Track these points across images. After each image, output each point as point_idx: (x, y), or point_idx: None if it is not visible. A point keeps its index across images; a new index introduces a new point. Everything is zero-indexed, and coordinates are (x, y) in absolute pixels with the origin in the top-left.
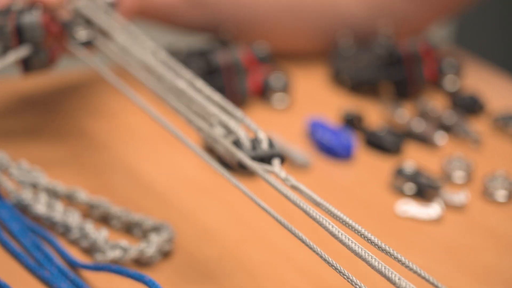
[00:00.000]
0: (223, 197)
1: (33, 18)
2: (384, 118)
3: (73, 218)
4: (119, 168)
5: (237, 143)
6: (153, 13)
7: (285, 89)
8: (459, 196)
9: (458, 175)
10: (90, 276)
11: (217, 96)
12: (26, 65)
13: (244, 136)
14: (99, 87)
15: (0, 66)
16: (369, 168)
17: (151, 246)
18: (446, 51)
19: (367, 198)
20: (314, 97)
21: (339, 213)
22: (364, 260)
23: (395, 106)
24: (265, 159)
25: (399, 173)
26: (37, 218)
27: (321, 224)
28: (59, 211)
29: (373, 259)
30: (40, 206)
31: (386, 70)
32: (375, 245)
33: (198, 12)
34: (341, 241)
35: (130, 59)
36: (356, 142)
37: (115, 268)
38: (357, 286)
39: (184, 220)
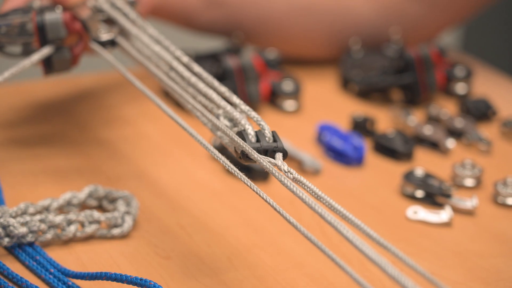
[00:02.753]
0: (234, 202)
1: (55, 16)
2: (394, 124)
3: (57, 216)
4: (133, 175)
5: (242, 135)
6: (168, 13)
7: (295, 94)
8: (469, 201)
9: (468, 180)
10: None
11: (225, 89)
12: (48, 65)
13: (249, 128)
14: (113, 93)
15: (24, 66)
16: (379, 173)
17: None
18: (454, 57)
19: (377, 203)
20: (324, 103)
21: (339, 207)
22: (361, 251)
23: (405, 112)
24: (269, 152)
25: (409, 178)
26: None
27: (322, 216)
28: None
29: (368, 250)
30: (20, 227)
31: (397, 75)
32: (374, 239)
33: (213, 12)
34: (341, 233)
35: (145, 54)
36: (367, 147)
37: (112, 275)
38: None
39: (195, 224)
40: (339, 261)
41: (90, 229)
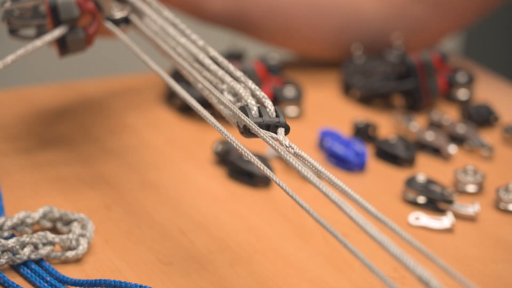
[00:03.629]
0: (236, 208)
1: None
2: (396, 130)
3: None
4: (135, 181)
5: (244, 110)
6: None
7: (297, 100)
8: (471, 207)
9: (470, 186)
10: None
11: (230, 65)
12: (63, 46)
13: (252, 104)
14: (117, 100)
15: (37, 46)
16: (381, 179)
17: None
18: (456, 63)
19: (379, 209)
20: (326, 108)
21: (339, 182)
22: (359, 225)
23: (407, 118)
24: (271, 128)
25: (411, 184)
26: None
27: (323, 192)
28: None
29: (371, 228)
30: None
31: (399, 81)
32: (372, 214)
33: (222, 1)
34: (340, 207)
35: (154, 30)
36: (368, 152)
37: (112, 282)
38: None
39: (196, 230)
40: (369, 262)
41: (44, 251)
